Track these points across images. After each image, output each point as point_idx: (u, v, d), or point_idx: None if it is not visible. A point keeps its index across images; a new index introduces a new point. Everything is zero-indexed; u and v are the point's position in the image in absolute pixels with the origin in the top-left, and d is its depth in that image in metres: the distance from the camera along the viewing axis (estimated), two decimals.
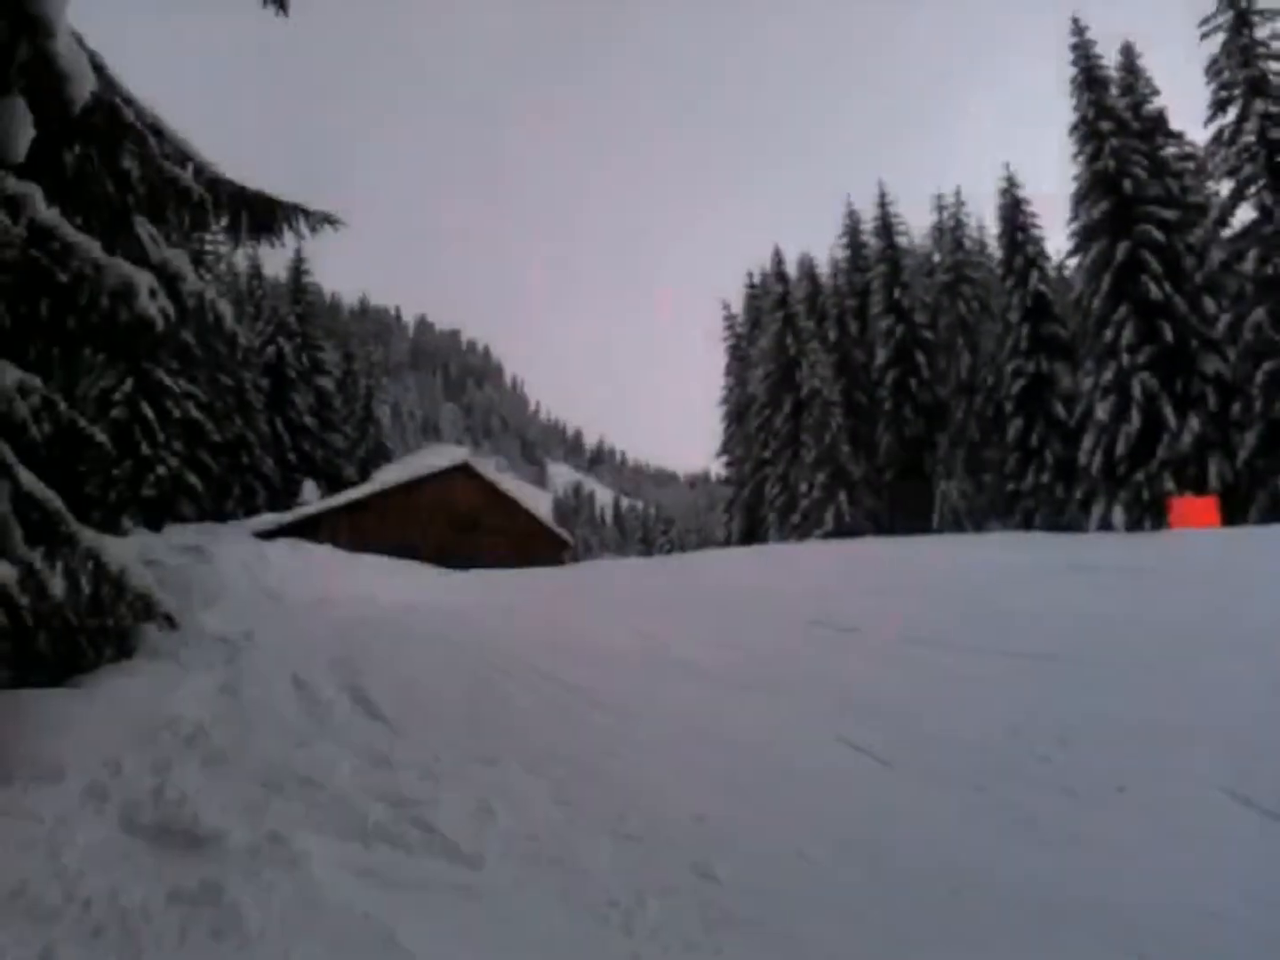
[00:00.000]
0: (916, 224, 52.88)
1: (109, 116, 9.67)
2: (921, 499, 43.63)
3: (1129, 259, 33.60)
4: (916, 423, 45.83)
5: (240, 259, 48.95)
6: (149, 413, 34.83)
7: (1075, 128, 36.23)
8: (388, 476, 36.75)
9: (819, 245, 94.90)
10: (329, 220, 12.18)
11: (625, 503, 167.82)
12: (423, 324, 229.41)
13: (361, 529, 30.06)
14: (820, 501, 44.43)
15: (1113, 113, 35.41)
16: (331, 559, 17.77)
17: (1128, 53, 36.58)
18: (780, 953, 4.56)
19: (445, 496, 34.11)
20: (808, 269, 54.78)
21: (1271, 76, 31.57)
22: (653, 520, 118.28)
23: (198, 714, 7.86)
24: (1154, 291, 32.77)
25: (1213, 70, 32.54)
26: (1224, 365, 31.63)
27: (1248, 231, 31.22)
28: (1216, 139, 32.38)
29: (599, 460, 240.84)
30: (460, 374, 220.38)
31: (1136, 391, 32.27)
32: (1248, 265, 30.25)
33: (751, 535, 51.07)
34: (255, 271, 49.84)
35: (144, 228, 10.24)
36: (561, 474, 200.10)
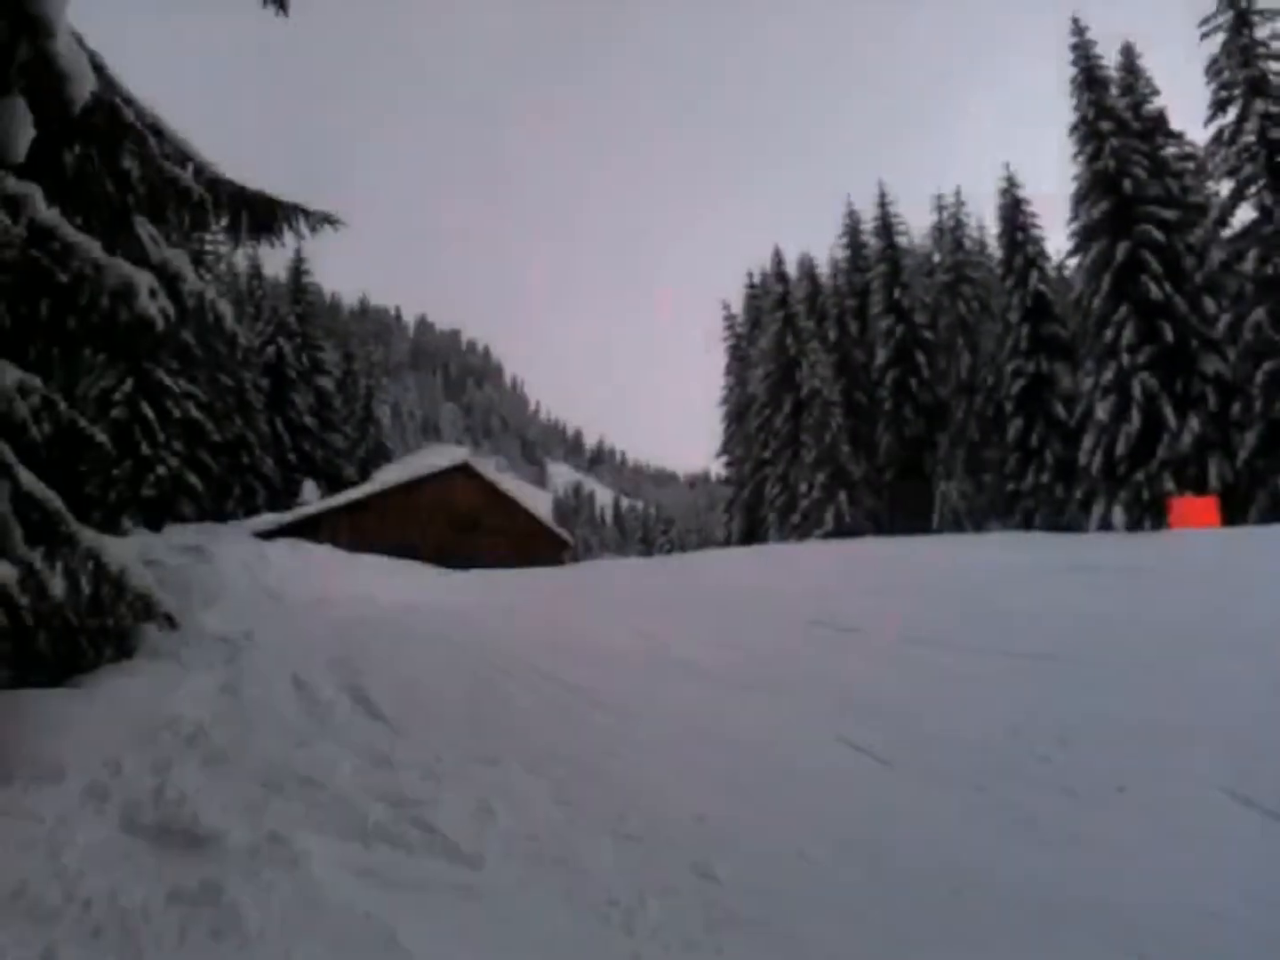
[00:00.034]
0: (916, 224, 52.98)
1: (109, 116, 9.67)
2: (921, 499, 43.64)
3: (1129, 259, 33.60)
4: (916, 423, 45.83)
5: (240, 259, 49.05)
6: (149, 413, 34.83)
7: (1075, 128, 36.24)
8: (388, 476, 36.76)
9: (819, 245, 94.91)
10: (329, 220, 12.18)
11: (625, 503, 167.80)
12: (423, 324, 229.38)
13: (361, 529, 30.07)
14: (820, 501, 44.43)
15: (1113, 113, 35.42)
16: (331, 559, 17.78)
17: (1128, 53, 36.59)
18: (781, 952, 4.55)
19: (445, 496, 34.12)
20: (808, 269, 54.80)
21: (1272, 76, 31.56)
22: (653, 520, 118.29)
23: (198, 714, 7.86)
24: (1154, 291, 32.76)
25: (1213, 70, 32.54)
26: (1224, 365, 31.63)
27: (1248, 231, 31.22)
28: (1216, 139, 32.37)
29: (599, 460, 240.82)
30: (460, 374, 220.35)
31: (1136, 391, 32.27)
32: (1248, 265, 30.25)
33: (751, 535, 51.07)
34: (255, 271, 49.84)
35: (144, 228, 10.24)
36: (561, 474, 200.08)
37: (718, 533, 60.85)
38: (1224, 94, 32.16)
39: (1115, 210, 34.44)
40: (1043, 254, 40.66)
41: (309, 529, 29.32)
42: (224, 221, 11.83)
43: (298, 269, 49.82)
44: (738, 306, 62.21)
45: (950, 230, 47.16)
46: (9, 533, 7.97)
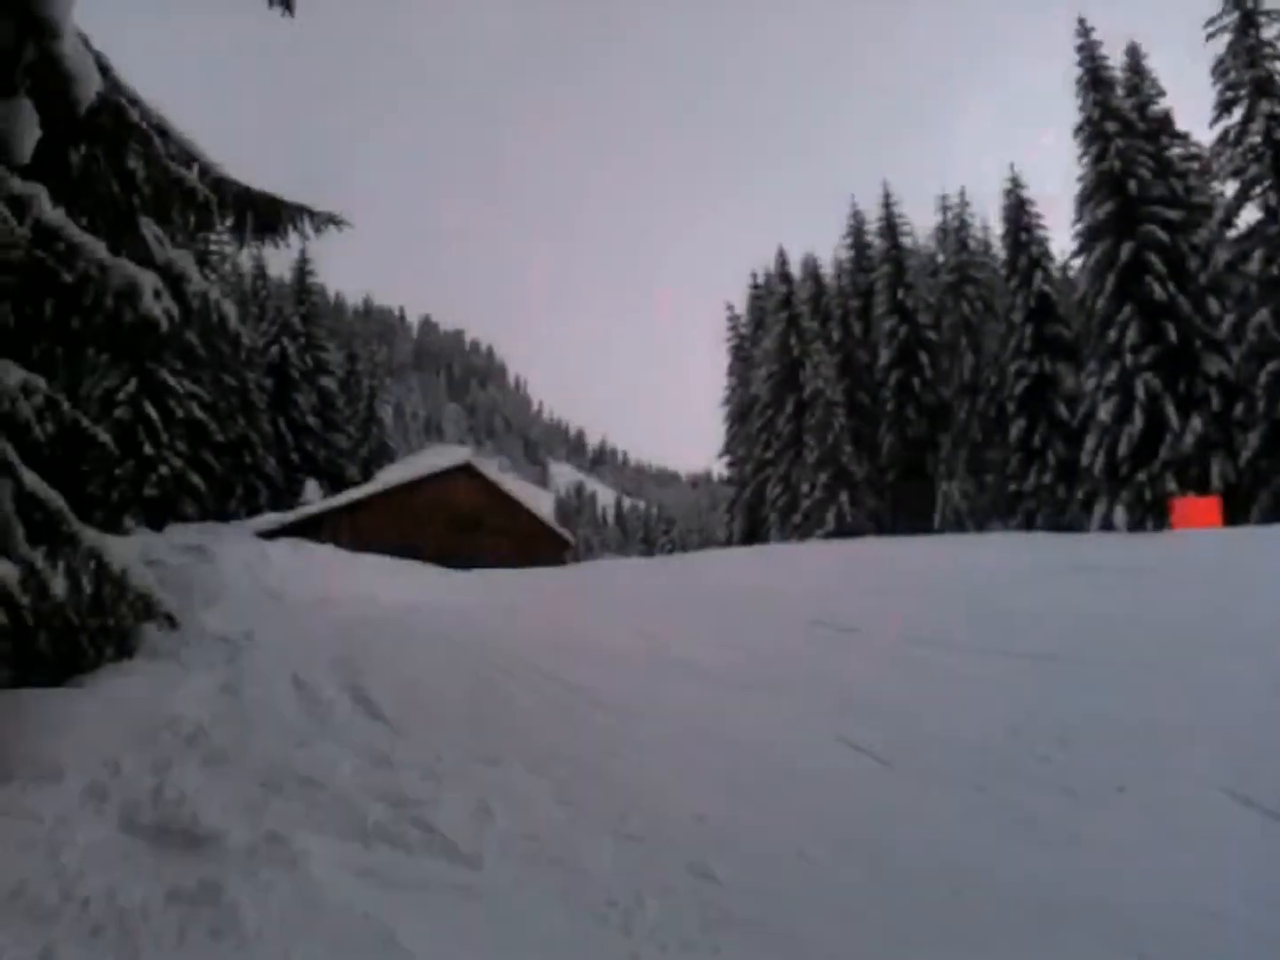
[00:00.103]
0: (920, 224, 52.82)
1: (115, 117, 9.68)
2: (923, 499, 43.63)
3: (1133, 259, 33.58)
4: (919, 423, 45.82)
5: (245, 259, 49.02)
6: (152, 413, 34.89)
7: (1080, 128, 36.23)
8: (390, 476, 36.79)
9: (819, 245, 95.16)
10: (334, 221, 12.19)
11: (627, 503, 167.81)
12: (427, 324, 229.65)
13: (363, 529, 30.09)
14: (822, 502, 44.43)
15: (1118, 113, 35.41)
16: (333, 559, 17.78)
17: (1133, 53, 36.58)
18: (780, 953, 4.55)
19: (447, 496, 34.14)
20: (812, 269, 54.81)
21: (1277, 77, 31.55)
22: (654, 520, 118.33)
23: (198, 714, 7.86)
24: (1158, 292, 32.75)
25: (1219, 71, 32.51)
26: (1227, 366, 31.61)
27: (1253, 232, 31.20)
28: (1222, 139, 32.35)
29: (601, 460, 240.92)
30: (464, 374, 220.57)
31: (1140, 392, 32.26)
32: (1252, 266, 30.23)
33: (753, 535, 51.07)
34: (260, 272, 49.87)
35: (149, 228, 10.25)
36: (564, 474, 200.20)
37: (719, 533, 60.82)
38: (1230, 94, 32.13)
39: (1120, 211, 34.42)
40: (1047, 254, 40.67)
41: (311, 529, 29.35)
42: (229, 222, 11.84)
43: (302, 269, 49.90)
44: (741, 307, 62.26)
45: (954, 231, 47.13)
46: (11, 532, 7.99)
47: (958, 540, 29.58)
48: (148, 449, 34.53)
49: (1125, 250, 33.71)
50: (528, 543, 34.52)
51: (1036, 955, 4.59)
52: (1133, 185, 34.17)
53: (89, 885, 4.99)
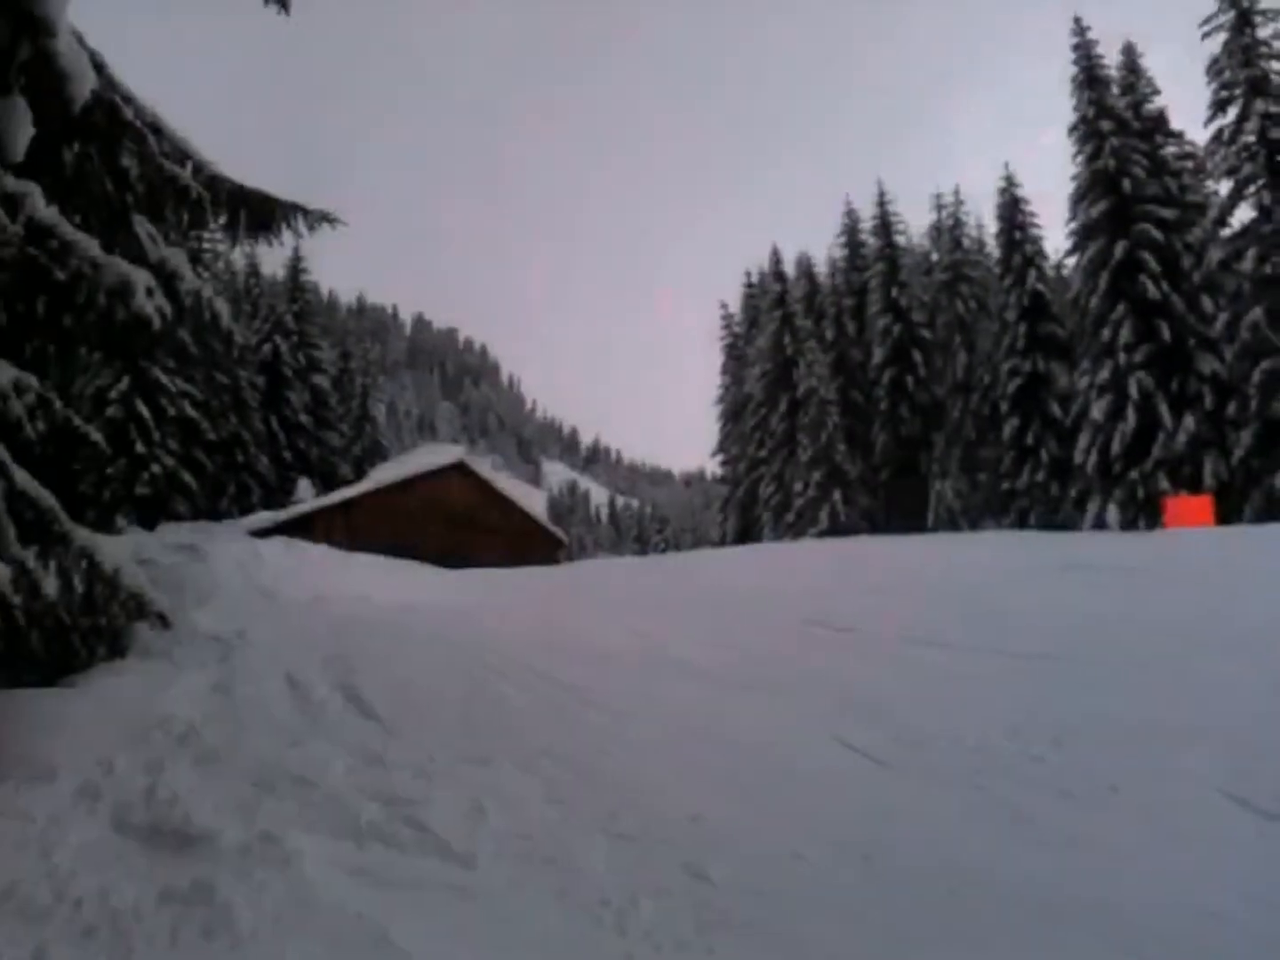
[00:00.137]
0: (915, 223, 53.15)
1: (109, 115, 9.66)
2: (917, 498, 43.70)
3: (1127, 258, 33.67)
4: (913, 422, 45.92)
5: (238, 257, 48.92)
6: (144, 411, 34.82)
7: (1075, 127, 36.35)
8: (383, 475, 36.78)
9: (818, 245, 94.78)
10: (327, 219, 12.18)
11: (620, 502, 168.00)
12: (420, 322, 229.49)
13: (356, 527, 30.04)
14: (815, 500, 44.47)
15: (1113, 112, 35.50)
16: (326, 558, 17.72)
17: (1129, 52, 36.70)
18: (777, 953, 4.54)
19: (440, 495, 34.10)
20: (805, 268, 54.92)
21: (1273, 76, 31.70)
22: (648, 519, 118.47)
23: (190, 713, 7.83)
24: (1152, 290, 32.84)
25: (1214, 70, 32.61)
26: (1221, 364, 31.71)
27: (1246, 231, 31.30)
28: (1216, 138, 32.45)
29: (594, 459, 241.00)
30: (457, 372, 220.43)
31: (1133, 390, 32.35)
32: (1246, 264, 30.33)
33: (746, 534, 51.14)
34: (253, 270, 49.82)
35: (142, 226, 10.23)
36: (556, 472, 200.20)
37: (713, 532, 60.97)
38: (1225, 94, 32.24)
39: (1114, 209, 34.51)
40: (1041, 253, 40.81)
41: (304, 527, 29.24)
42: (222, 220, 11.84)
43: (295, 267, 49.82)
44: (735, 305, 62.35)
45: (949, 229, 47.28)
46: (2, 531, 7.95)
47: (951, 539, 29.58)
48: (140, 447, 34.47)
49: (1119, 249, 33.81)
50: (521, 542, 34.50)
51: (1036, 955, 4.58)
52: (1127, 184, 34.26)
53: (81, 885, 4.97)
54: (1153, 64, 36.90)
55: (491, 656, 10.25)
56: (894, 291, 47.05)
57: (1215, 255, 31.78)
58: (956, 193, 47.74)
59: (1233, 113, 32.05)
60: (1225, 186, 32.60)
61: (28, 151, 7.56)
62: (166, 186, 10.47)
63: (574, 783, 6.66)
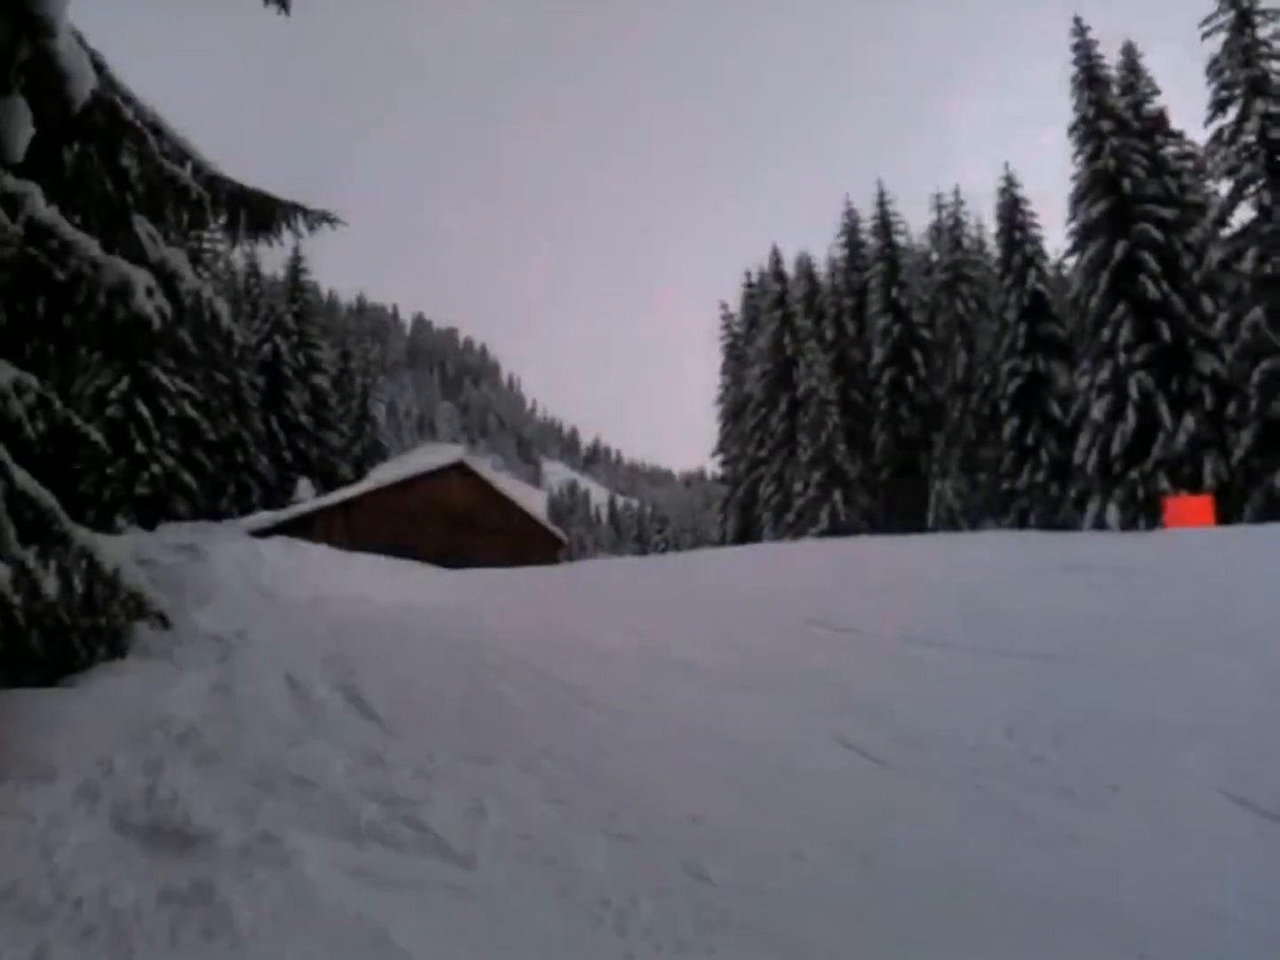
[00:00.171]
0: (915, 223, 53.19)
1: (109, 115, 9.66)
2: (917, 498, 43.68)
3: (1127, 258, 33.66)
4: (913, 422, 45.91)
5: (238, 257, 48.92)
6: (144, 411, 34.82)
7: (1075, 127, 36.34)
8: (383, 475, 36.79)
9: (818, 245, 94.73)
10: (327, 219, 12.19)
11: (620, 501, 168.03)
12: (420, 322, 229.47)
13: (356, 528, 30.05)
14: (815, 500, 44.46)
15: (1113, 112, 35.49)
16: (326, 558, 17.73)
17: (1129, 52, 36.68)
18: (777, 953, 4.54)
19: (440, 495, 34.11)
20: (805, 268, 54.92)
21: (1273, 76, 31.67)
22: (648, 519, 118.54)
23: (190, 713, 7.83)
24: (1152, 290, 32.83)
25: (1214, 70, 32.59)
26: (1221, 364, 31.69)
27: (1246, 231, 31.29)
28: (1216, 138, 32.43)
29: (594, 459, 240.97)
30: (457, 372, 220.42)
31: (1133, 390, 32.34)
32: (1246, 264, 30.31)
33: (746, 534, 51.12)
34: (253, 270, 49.80)
35: (142, 226, 10.23)
36: (556, 472, 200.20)
37: (713, 532, 60.98)
38: (1224, 94, 32.22)
39: (1114, 209, 34.50)
40: (1041, 253, 40.79)
41: (304, 528, 29.24)
42: (222, 220, 11.84)
43: (295, 267, 49.80)
44: (735, 305, 62.35)
45: (949, 229, 47.27)
46: (3, 531, 7.95)
47: (951, 539, 29.60)
48: (140, 447, 34.48)
49: (1119, 249, 33.80)
50: (521, 542, 34.50)
51: (1037, 956, 4.58)
52: (1127, 184, 34.25)
53: (82, 885, 4.97)
54: (1153, 64, 36.96)
55: (492, 656, 10.25)
56: (894, 291, 47.05)
57: (1215, 255, 31.76)
58: (956, 193, 47.81)
59: (1233, 113, 32.04)
60: (1225, 186, 32.62)
61: (28, 151, 7.56)
62: (166, 186, 10.47)
63: (574, 782, 6.66)
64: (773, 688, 9.55)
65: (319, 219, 12.11)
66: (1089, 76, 36.31)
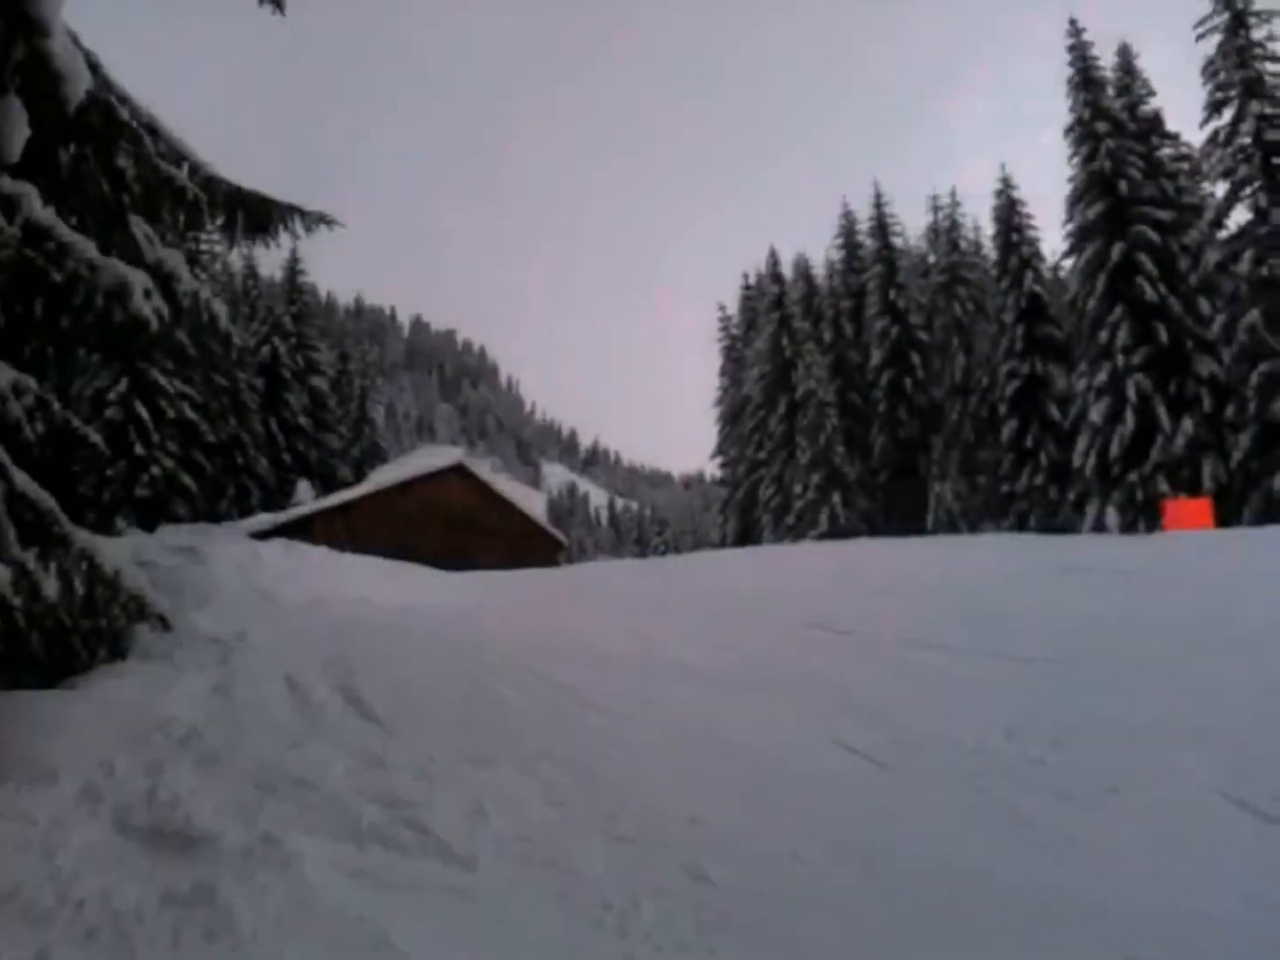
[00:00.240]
0: (912, 225, 52.96)
1: (104, 116, 9.66)
2: (916, 500, 43.68)
3: (1124, 260, 33.67)
4: (911, 424, 45.94)
5: (236, 259, 48.92)
6: (143, 413, 34.82)
7: (1071, 129, 36.36)
8: (382, 477, 36.71)
9: (818, 245, 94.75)
10: (325, 220, 12.19)
11: (620, 504, 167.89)
12: (418, 324, 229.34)
13: (356, 530, 29.97)
14: (815, 503, 44.47)
15: (1109, 114, 35.51)
16: (325, 560, 17.72)
17: (1124, 54, 36.68)
18: (777, 954, 4.56)
19: (439, 497, 34.06)
20: (803, 270, 54.97)
21: (1268, 78, 31.67)
22: (647, 521, 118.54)
23: (191, 715, 7.83)
24: (1149, 293, 32.84)
25: (1209, 71, 32.61)
26: (1218, 367, 31.70)
27: (1243, 233, 31.31)
28: (1212, 140, 32.45)
29: (594, 461, 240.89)
30: (456, 374, 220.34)
31: (1131, 393, 32.34)
32: (1243, 266, 30.32)
33: (746, 536, 51.09)
34: (250, 271, 49.82)
35: (139, 227, 10.22)
36: (556, 474, 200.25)
37: (712, 534, 60.97)
38: (1220, 95, 32.23)
39: (1110, 211, 34.51)
40: (1038, 255, 40.83)
41: (303, 530, 29.22)
42: (219, 221, 11.83)
43: (293, 269, 49.79)
44: (733, 307, 62.37)
45: (946, 231, 47.29)
46: (3, 533, 7.95)
47: (950, 541, 29.61)
48: (139, 449, 34.48)
49: (1116, 251, 33.81)
50: (520, 544, 34.45)
51: (1036, 956, 4.60)
52: (1123, 186, 34.27)
53: (83, 887, 4.98)
54: (1149, 64, 36.95)
55: (491, 658, 10.25)
56: (891, 293, 47.08)
57: (1212, 257, 31.78)
58: (953, 194, 47.83)
59: (1228, 114, 32.04)
60: (1221, 188, 32.63)
61: (23, 152, 7.54)
62: (163, 187, 10.46)
63: (574, 784, 6.67)
64: (772, 690, 9.55)
65: (316, 220, 12.11)
66: (1085, 78, 36.33)
